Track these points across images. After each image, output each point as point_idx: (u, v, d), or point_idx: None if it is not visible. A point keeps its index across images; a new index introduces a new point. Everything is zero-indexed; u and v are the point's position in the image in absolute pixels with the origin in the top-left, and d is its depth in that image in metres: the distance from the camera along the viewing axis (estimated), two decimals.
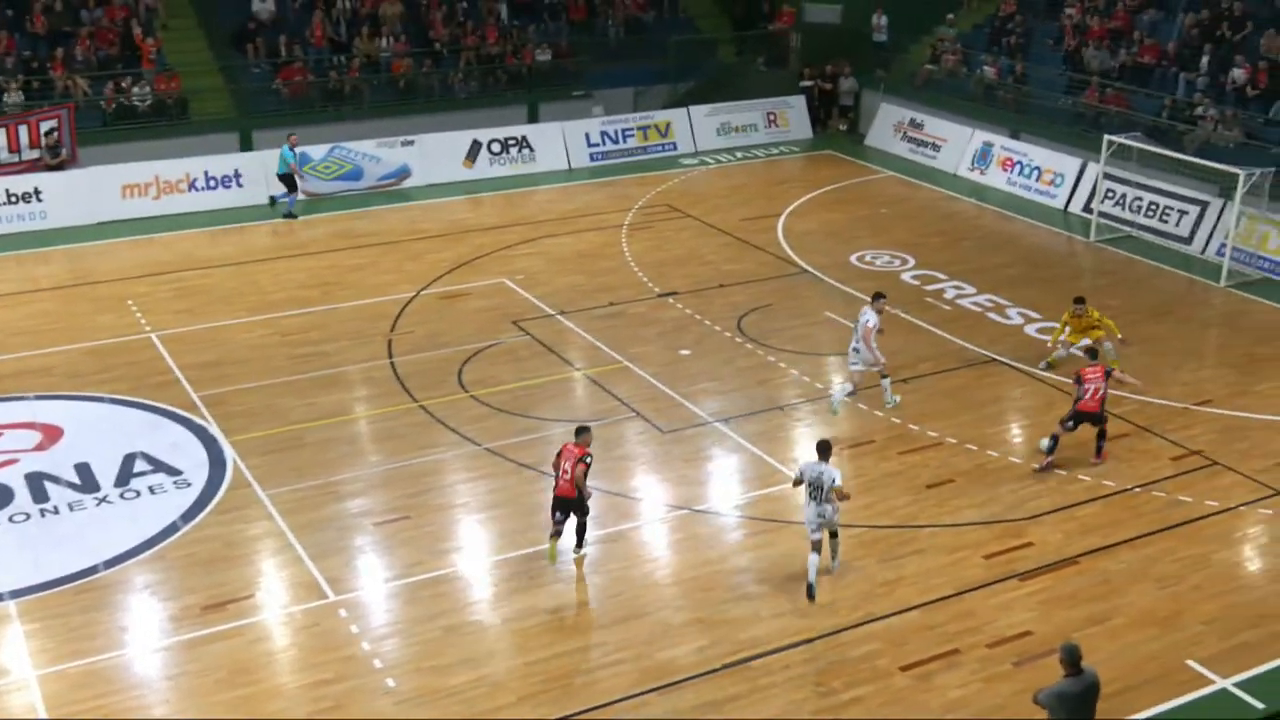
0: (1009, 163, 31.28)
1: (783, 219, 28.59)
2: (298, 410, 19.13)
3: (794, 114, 35.51)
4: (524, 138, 32.11)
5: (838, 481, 14.61)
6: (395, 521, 16.35)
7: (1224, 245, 25.44)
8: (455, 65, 33.27)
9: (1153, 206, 27.35)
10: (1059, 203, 29.71)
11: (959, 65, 34.33)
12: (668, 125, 32.50)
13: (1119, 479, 17.49)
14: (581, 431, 15.21)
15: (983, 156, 31.93)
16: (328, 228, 27.67)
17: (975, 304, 23.71)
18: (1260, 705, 12.40)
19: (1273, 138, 27.08)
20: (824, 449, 14.85)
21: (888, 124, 34.68)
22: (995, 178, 31.37)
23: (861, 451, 18.19)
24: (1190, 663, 13.74)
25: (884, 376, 19.23)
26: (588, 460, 14.98)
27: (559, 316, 22.76)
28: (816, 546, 14.72)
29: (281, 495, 16.83)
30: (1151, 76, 30.36)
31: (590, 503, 15.32)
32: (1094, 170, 28.32)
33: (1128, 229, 27.35)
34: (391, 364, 20.83)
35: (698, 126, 34.23)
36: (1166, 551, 15.85)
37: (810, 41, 36.83)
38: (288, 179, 28.22)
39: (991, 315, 23.19)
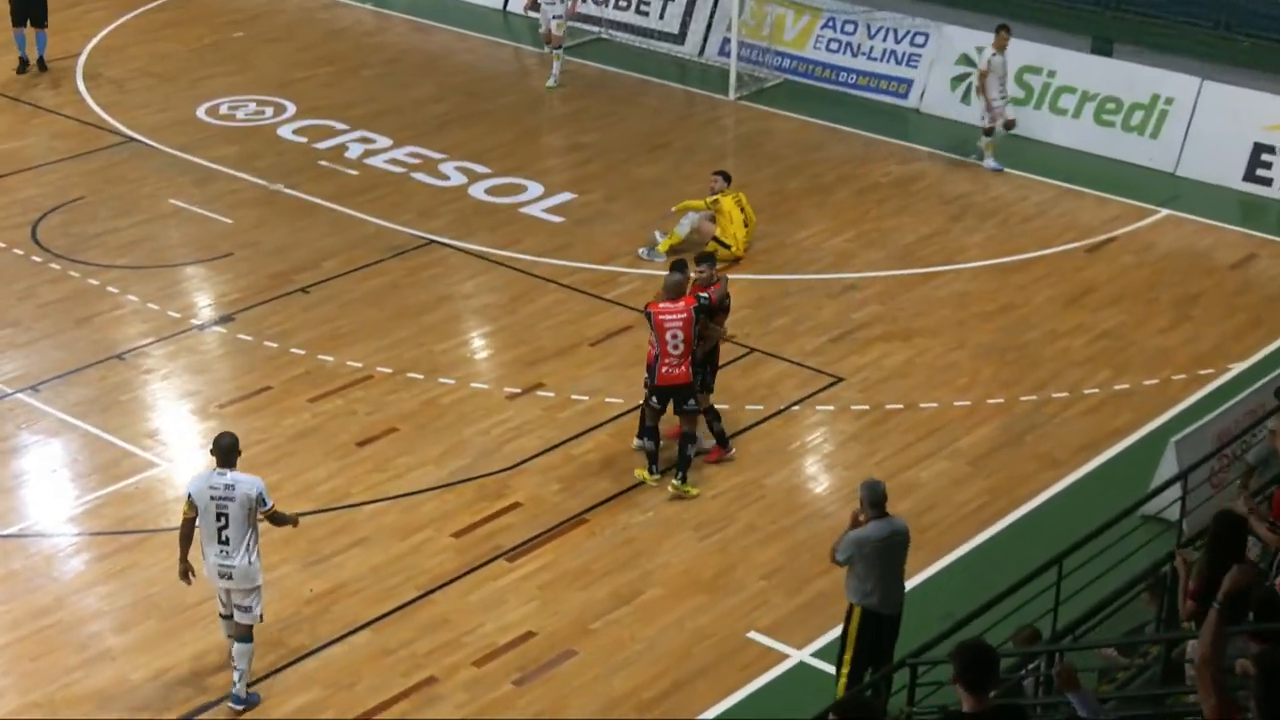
0: None
1: (82, 61, 27.99)
2: None
3: None
4: None
5: None
6: None
7: (727, 41, 27.25)
8: None
9: None
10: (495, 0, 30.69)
11: None
12: None
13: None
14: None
15: None
16: None
17: (393, 162, 24.21)
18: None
19: None
20: None
21: None
22: None
23: (253, 406, 18.17)
24: (753, 634, 14.85)
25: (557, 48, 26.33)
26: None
27: None
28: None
29: None
30: None
31: None
32: None
33: (596, 29, 28.65)
34: None
35: None
36: (696, 483, 16.95)
37: None
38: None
39: (419, 176, 23.77)
